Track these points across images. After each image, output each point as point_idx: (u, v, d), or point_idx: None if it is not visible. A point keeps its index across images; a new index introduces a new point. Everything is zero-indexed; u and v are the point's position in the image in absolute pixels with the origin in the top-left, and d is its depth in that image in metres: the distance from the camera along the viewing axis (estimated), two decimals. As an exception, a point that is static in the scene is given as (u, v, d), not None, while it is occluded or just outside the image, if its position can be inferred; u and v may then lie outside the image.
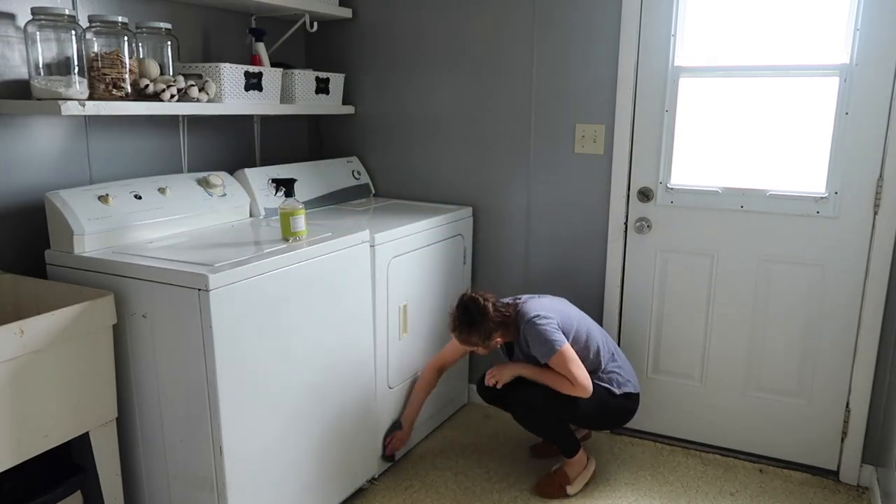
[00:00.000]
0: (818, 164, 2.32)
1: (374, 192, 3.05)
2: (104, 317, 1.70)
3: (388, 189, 3.03)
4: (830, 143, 2.28)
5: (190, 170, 2.47)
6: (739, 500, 2.33)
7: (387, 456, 2.45)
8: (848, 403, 2.41)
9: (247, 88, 2.35)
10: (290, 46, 2.91)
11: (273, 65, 2.57)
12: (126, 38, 1.96)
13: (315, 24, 2.82)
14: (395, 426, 2.48)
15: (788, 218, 2.38)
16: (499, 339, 2.21)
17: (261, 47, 2.54)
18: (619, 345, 2.74)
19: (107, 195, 1.96)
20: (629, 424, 2.75)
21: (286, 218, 1.99)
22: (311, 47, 3.05)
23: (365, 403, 2.29)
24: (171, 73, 2.16)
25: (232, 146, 2.66)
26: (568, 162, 2.66)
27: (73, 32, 1.83)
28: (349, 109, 2.97)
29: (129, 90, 1.96)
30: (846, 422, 2.42)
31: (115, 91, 1.92)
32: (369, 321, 2.27)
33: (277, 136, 2.91)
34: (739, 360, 2.54)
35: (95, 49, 1.91)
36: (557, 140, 2.66)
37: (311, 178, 2.70)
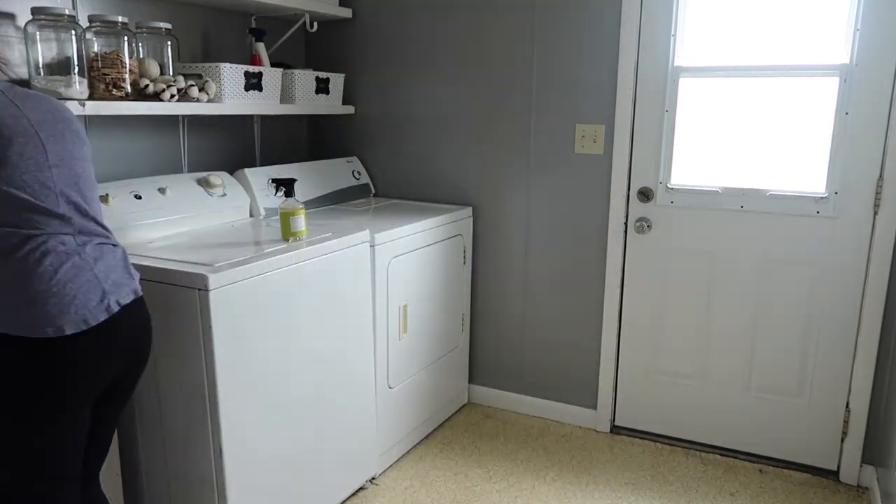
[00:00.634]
0: (818, 164, 2.32)
1: (374, 192, 3.05)
2: (104, 317, 1.70)
3: (388, 189, 3.03)
4: (830, 143, 2.28)
5: (190, 170, 2.47)
6: (739, 500, 2.33)
7: None
8: (848, 403, 2.41)
9: (247, 88, 2.35)
10: (290, 46, 2.91)
11: (273, 65, 2.57)
12: (126, 38, 1.97)
13: (315, 24, 2.82)
14: None
15: (788, 218, 2.38)
16: None
17: (261, 47, 2.54)
18: (618, 344, 2.73)
19: (107, 195, 1.96)
20: (629, 424, 2.76)
21: (286, 218, 1.99)
22: (311, 47, 3.05)
23: (365, 403, 2.29)
24: (171, 73, 2.16)
25: (232, 146, 2.66)
26: (568, 162, 2.66)
27: (73, 32, 1.83)
28: (349, 109, 2.97)
29: (129, 90, 1.96)
30: (846, 422, 2.42)
31: (115, 91, 1.92)
32: (369, 321, 2.27)
33: (277, 136, 2.92)
34: (739, 360, 2.54)
35: (95, 49, 1.91)
36: (557, 140, 2.66)
37: (311, 178, 2.70)
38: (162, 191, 2.13)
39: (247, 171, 2.45)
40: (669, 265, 2.59)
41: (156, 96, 2.03)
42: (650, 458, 2.60)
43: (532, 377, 2.90)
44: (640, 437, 2.75)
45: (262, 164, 2.82)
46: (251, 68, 2.35)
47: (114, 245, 1.45)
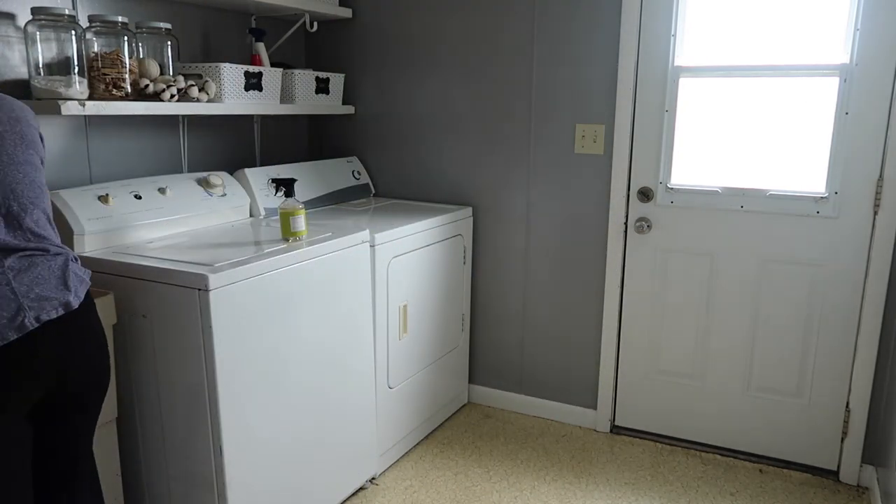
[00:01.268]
0: (818, 164, 2.32)
1: (374, 192, 3.05)
2: (104, 317, 1.70)
3: (388, 189, 3.03)
4: (830, 143, 2.28)
5: (190, 170, 2.47)
6: (739, 500, 2.33)
7: None
8: (848, 403, 2.41)
9: (247, 88, 2.35)
10: (290, 46, 2.91)
11: (273, 65, 2.57)
12: (126, 38, 1.97)
13: (315, 24, 2.82)
14: None
15: (788, 218, 2.38)
16: None
17: (261, 47, 2.54)
18: (618, 345, 2.73)
19: (107, 195, 1.96)
20: (629, 424, 2.76)
21: (286, 218, 1.99)
22: (311, 47, 3.05)
23: (365, 403, 2.29)
24: (171, 73, 2.16)
25: (232, 146, 2.66)
26: (568, 162, 2.66)
27: (73, 32, 1.83)
28: (349, 109, 2.97)
29: (129, 90, 1.96)
30: (846, 422, 2.42)
31: (115, 91, 1.92)
32: (369, 321, 2.27)
33: (277, 136, 2.92)
34: (739, 359, 2.54)
35: (95, 49, 1.91)
36: (557, 140, 2.66)
37: (311, 178, 2.70)
38: (162, 191, 2.13)
39: (247, 171, 2.45)
40: (669, 265, 2.59)
41: (156, 96, 2.03)
42: (650, 458, 2.60)
43: (532, 377, 2.90)
44: (640, 437, 2.75)
45: (262, 164, 2.82)
46: (251, 68, 2.35)
47: (53, 254, 1.35)
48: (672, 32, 2.41)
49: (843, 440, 2.44)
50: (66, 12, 1.82)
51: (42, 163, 1.42)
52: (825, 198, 2.32)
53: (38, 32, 1.81)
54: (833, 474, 2.48)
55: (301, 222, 2.01)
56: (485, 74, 2.74)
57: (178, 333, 1.72)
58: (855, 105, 2.22)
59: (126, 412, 1.88)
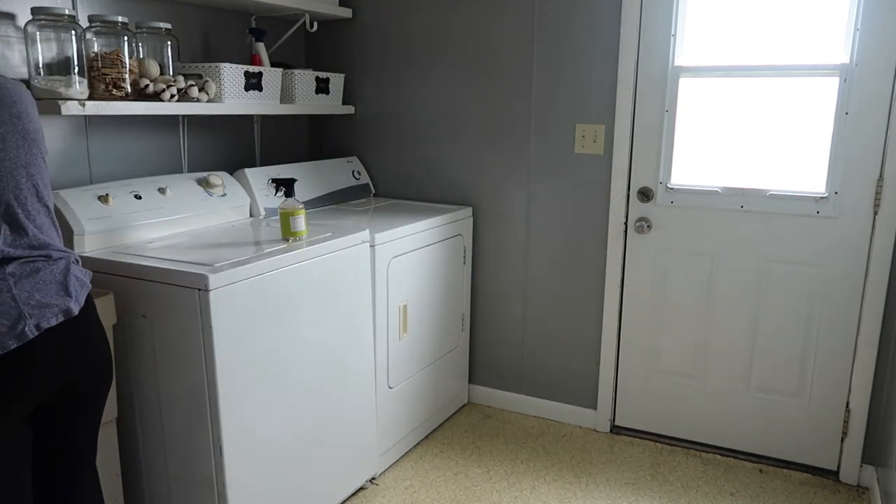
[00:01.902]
0: (818, 164, 2.32)
1: (374, 192, 3.05)
2: (104, 317, 1.70)
3: (388, 189, 3.03)
4: (830, 143, 2.28)
5: (190, 170, 2.47)
6: (739, 500, 2.33)
7: None
8: (848, 403, 2.40)
9: (247, 88, 2.35)
10: (290, 46, 2.91)
11: (273, 65, 2.57)
12: (126, 38, 1.97)
13: (315, 24, 2.82)
14: None
15: (788, 218, 2.38)
16: None
17: (261, 47, 2.54)
18: (618, 345, 2.73)
19: (107, 195, 1.96)
20: (629, 424, 2.76)
21: (286, 218, 1.99)
22: (311, 47, 3.05)
23: (365, 403, 2.29)
24: (171, 73, 2.16)
25: (232, 146, 2.66)
26: (568, 162, 2.66)
27: (73, 32, 1.83)
28: (349, 109, 2.97)
29: (129, 90, 1.96)
30: (846, 422, 2.42)
31: (115, 91, 1.92)
32: (369, 321, 2.27)
33: (277, 136, 2.92)
34: (739, 359, 2.54)
35: (95, 49, 1.91)
36: (557, 140, 2.66)
37: (311, 178, 2.70)
38: (162, 191, 2.13)
39: (247, 171, 2.45)
40: (669, 265, 2.59)
41: (156, 96, 2.03)
42: (650, 458, 2.60)
43: (532, 377, 2.90)
44: (640, 437, 2.75)
45: (262, 164, 2.82)
46: (251, 68, 2.35)
47: (55, 259, 1.33)
48: (672, 32, 2.41)
49: (843, 440, 2.44)
50: (66, 12, 1.82)
51: (44, 159, 1.38)
52: (825, 198, 2.32)
53: (38, 32, 1.80)
54: (833, 474, 2.48)
55: (301, 222, 2.01)
56: (485, 74, 2.74)
57: (178, 333, 1.72)
58: (855, 105, 2.22)
59: (126, 412, 1.88)
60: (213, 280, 1.65)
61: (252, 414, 1.82)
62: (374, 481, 2.42)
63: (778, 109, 2.34)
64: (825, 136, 2.29)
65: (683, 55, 2.43)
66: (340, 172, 2.88)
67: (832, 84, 2.25)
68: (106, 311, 1.70)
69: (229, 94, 2.27)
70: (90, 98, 1.89)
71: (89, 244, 1.87)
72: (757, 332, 2.50)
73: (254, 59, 2.53)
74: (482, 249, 2.90)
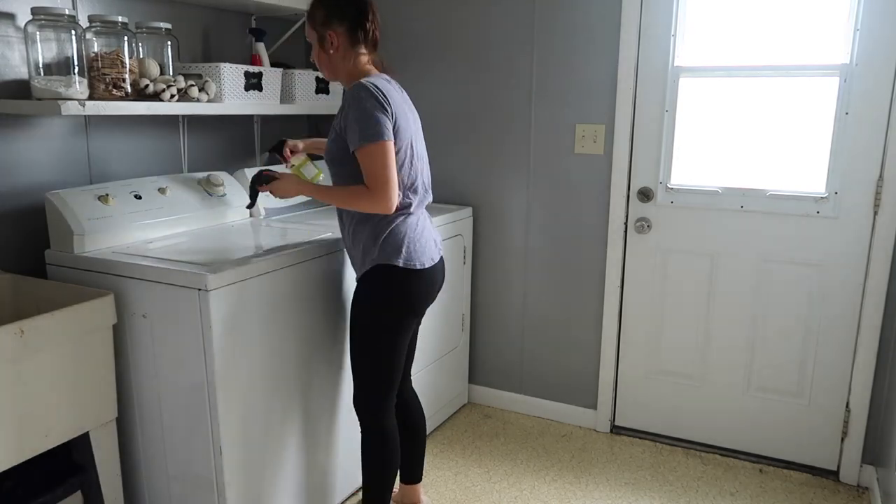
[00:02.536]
0: (818, 164, 2.32)
1: (374, 192, 3.05)
2: (104, 317, 1.70)
3: (388, 189, 3.03)
4: (830, 143, 2.28)
5: (190, 170, 2.47)
6: (739, 500, 2.33)
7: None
8: (848, 403, 2.40)
9: (247, 88, 2.35)
10: (290, 46, 2.91)
11: (273, 65, 2.57)
12: (126, 38, 1.96)
13: (315, 24, 2.82)
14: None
15: (788, 218, 2.38)
16: (333, 44, 1.96)
17: (261, 47, 2.54)
18: (618, 344, 2.74)
19: (107, 195, 1.96)
20: (629, 424, 2.76)
21: (299, 172, 2.06)
22: (311, 47, 3.04)
23: (365, 403, 2.29)
24: (171, 73, 2.16)
25: (232, 146, 2.66)
26: (568, 162, 2.66)
27: (73, 32, 1.83)
28: (349, 109, 2.96)
29: (129, 90, 1.96)
30: (846, 422, 2.42)
31: (115, 91, 1.92)
32: (369, 321, 2.27)
33: (278, 136, 2.91)
34: (739, 359, 2.54)
35: (95, 49, 1.91)
36: (557, 140, 2.66)
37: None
38: (162, 191, 2.13)
39: (247, 171, 2.45)
40: (669, 265, 2.58)
41: (156, 96, 2.03)
42: (650, 458, 2.60)
43: (532, 377, 2.90)
44: (640, 437, 2.75)
45: (261, 165, 2.82)
46: (251, 68, 2.35)
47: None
48: (672, 32, 2.41)
49: (843, 440, 2.44)
50: (66, 12, 1.82)
51: None
52: (825, 198, 2.32)
53: (38, 32, 1.80)
54: (833, 474, 2.48)
55: (312, 169, 2.08)
56: (485, 74, 2.74)
57: (178, 333, 1.72)
58: (855, 105, 2.22)
59: (126, 412, 1.88)
60: (213, 280, 1.65)
61: (251, 414, 1.82)
62: (374, 481, 2.42)
63: (778, 109, 2.34)
64: (825, 136, 2.29)
65: (683, 55, 2.43)
66: (340, 172, 2.87)
67: (832, 84, 2.25)
68: (106, 312, 1.70)
69: (229, 94, 2.27)
70: (90, 98, 1.89)
71: (89, 244, 1.87)
72: (757, 332, 2.50)
73: (254, 59, 2.53)
74: (482, 249, 2.90)
